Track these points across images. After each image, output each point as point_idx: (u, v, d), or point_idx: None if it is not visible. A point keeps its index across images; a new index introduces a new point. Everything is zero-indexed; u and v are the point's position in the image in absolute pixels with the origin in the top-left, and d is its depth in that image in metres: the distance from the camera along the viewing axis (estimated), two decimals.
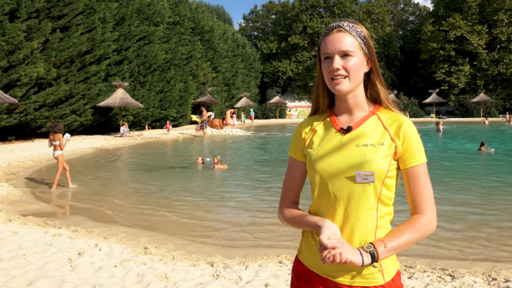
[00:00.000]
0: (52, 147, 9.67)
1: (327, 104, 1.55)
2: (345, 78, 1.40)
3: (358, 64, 1.41)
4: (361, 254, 1.31)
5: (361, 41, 1.42)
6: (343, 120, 1.49)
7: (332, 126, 1.49)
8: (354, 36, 1.41)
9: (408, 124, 1.42)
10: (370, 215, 1.38)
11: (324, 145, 1.47)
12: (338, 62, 1.39)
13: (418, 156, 1.40)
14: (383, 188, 1.38)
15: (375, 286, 1.38)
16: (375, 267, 1.36)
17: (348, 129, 1.45)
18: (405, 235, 1.36)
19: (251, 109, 43.81)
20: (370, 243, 1.35)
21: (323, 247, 1.30)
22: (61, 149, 9.57)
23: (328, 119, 1.52)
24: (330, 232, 1.33)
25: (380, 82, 1.49)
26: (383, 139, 1.41)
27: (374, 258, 1.33)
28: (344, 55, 1.40)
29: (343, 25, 1.42)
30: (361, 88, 1.47)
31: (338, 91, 1.42)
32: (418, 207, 1.40)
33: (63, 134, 9.75)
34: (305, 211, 1.54)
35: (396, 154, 1.40)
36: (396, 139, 1.40)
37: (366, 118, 1.46)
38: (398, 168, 1.43)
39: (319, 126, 1.53)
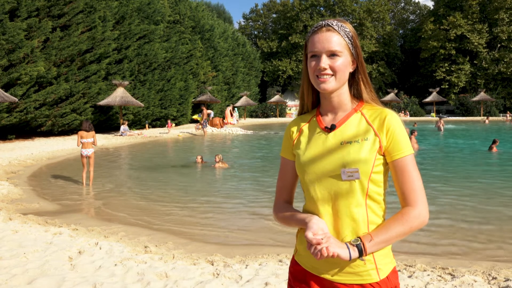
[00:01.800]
0: (81, 145, 9.72)
1: (312, 101, 1.56)
2: (331, 76, 1.41)
3: (345, 64, 1.42)
4: (348, 248, 1.32)
5: (349, 41, 1.43)
6: (327, 119, 1.50)
7: (317, 126, 1.51)
8: (342, 36, 1.41)
9: (391, 117, 1.41)
10: (360, 212, 1.39)
11: (310, 145, 1.48)
12: (325, 61, 1.40)
13: (403, 148, 1.39)
14: (370, 184, 1.39)
15: (370, 284, 1.38)
16: (363, 260, 1.36)
17: (332, 128, 1.46)
18: (393, 228, 1.35)
19: (236, 109, 43.59)
20: (358, 237, 1.36)
21: (309, 244, 1.31)
22: (95, 145, 9.88)
23: (314, 118, 1.54)
24: (316, 228, 1.34)
25: (365, 82, 1.50)
26: (367, 134, 1.41)
27: (361, 252, 1.33)
28: (332, 54, 1.40)
29: (332, 24, 1.42)
30: (345, 87, 1.48)
31: (323, 90, 1.42)
32: (408, 199, 1.38)
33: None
34: (300, 209, 1.56)
35: (381, 149, 1.40)
36: (379, 133, 1.40)
37: (349, 115, 1.47)
38: (385, 163, 1.43)
39: (305, 126, 1.55)
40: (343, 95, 1.47)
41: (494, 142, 15.02)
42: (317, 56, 1.41)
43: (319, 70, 1.40)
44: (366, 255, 1.35)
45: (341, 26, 1.42)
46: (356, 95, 1.51)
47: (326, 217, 1.42)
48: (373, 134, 1.41)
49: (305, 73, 1.50)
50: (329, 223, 1.41)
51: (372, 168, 1.37)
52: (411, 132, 13.19)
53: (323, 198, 1.42)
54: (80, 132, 9.61)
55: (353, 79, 1.50)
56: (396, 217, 1.37)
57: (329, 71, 1.40)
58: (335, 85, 1.42)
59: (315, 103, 1.57)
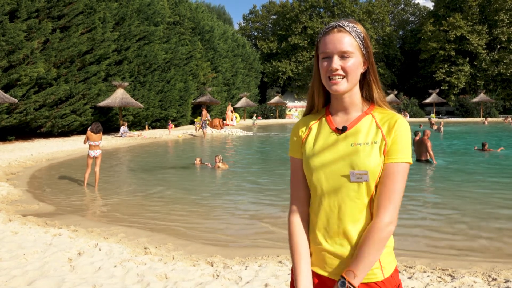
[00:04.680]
0: (89, 146, 9.73)
1: (323, 102, 1.56)
2: (343, 78, 1.41)
3: (356, 65, 1.42)
4: None
5: (360, 42, 1.43)
6: (338, 120, 1.50)
7: (327, 126, 1.51)
8: (353, 36, 1.42)
9: (400, 122, 1.42)
10: (364, 212, 1.40)
11: (319, 145, 1.48)
12: (337, 62, 1.40)
13: (400, 154, 1.39)
14: (375, 188, 1.40)
15: (375, 282, 1.40)
16: None
17: (343, 129, 1.46)
18: (370, 253, 1.35)
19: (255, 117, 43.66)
20: (343, 278, 1.35)
21: None
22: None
23: (324, 118, 1.54)
24: None
25: (375, 82, 1.50)
26: (376, 138, 1.42)
27: None
28: (343, 55, 1.40)
29: (344, 25, 1.42)
30: (356, 88, 1.48)
31: (335, 91, 1.42)
32: (379, 207, 1.37)
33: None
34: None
35: (385, 152, 1.41)
36: (387, 137, 1.41)
37: (360, 118, 1.47)
38: None
39: (315, 125, 1.55)
40: (355, 95, 1.48)
41: (483, 145, 15.11)
42: (328, 57, 1.42)
43: (330, 71, 1.40)
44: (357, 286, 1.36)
45: (353, 27, 1.43)
46: (367, 97, 1.52)
47: (332, 216, 1.43)
48: (381, 138, 1.42)
49: (316, 74, 1.50)
50: (333, 222, 1.43)
51: (380, 171, 1.39)
52: (424, 133, 12.67)
53: (329, 198, 1.43)
54: (88, 133, 9.59)
55: (364, 80, 1.50)
56: (366, 240, 1.36)
57: (340, 72, 1.40)
58: (347, 86, 1.42)
59: (324, 104, 1.57)
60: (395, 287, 1.43)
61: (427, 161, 12.27)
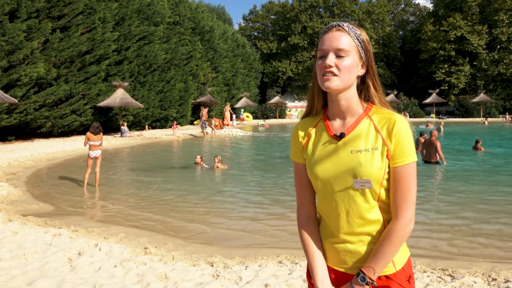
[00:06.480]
0: (89, 146, 9.75)
1: (322, 104, 1.55)
2: (335, 76, 1.40)
3: (351, 65, 1.41)
4: None
5: (358, 44, 1.42)
6: (336, 125, 1.49)
7: (326, 132, 1.50)
8: (351, 37, 1.41)
9: (400, 123, 1.41)
10: (373, 214, 1.42)
11: (320, 152, 1.48)
12: (331, 59, 1.39)
13: (407, 155, 1.39)
14: (381, 189, 1.41)
15: (386, 275, 1.43)
16: (375, 285, 1.40)
17: (341, 136, 1.45)
18: (388, 251, 1.39)
19: (242, 110, 43.31)
20: (363, 273, 1.39)
21: None
22: (100, 146, 9.88)
23: (322, 123, 1.52)
24: None
25: (375, 86, 1.49)
26: (376, 143, 1.41)
27: (371, 282, 1.40)
28: (339, 53, 1.40)
29: (343, 25, 1.42)
30: (353, 90, 1.46)
31: (326, 88, 1.41)
32: (397, 209, 1.39)
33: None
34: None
35: (389, 156, 1.41)
36: (388, 141, 1.40)
37: (358, 122, 1.46)
38: None
39: (313, 130, 1.54)
40: (351, 98, 1.46)
41: (477, 142, 15.26)
42: (325, 55, 1.42)
43: (324, 67, 1.40)
44: (375, 281, 1.40)
45: (352, 28, 1.42)
46: (366, 99, 1.51)
47: (341, 221, 1.45)
48: (381, 143, 1.41)
49: (315, 74, 1.49)
50: (343, 225, 1.45)
51: (383, 176, 1.39)
52: (431, 134, 12.29)
53: (336, 204, 1.45)
54: (88, 134, 9.60)
55: (363, 84, 1.49)
56: (387, 239, 1.39)
57: (334, 70, 1.39)
58: (339, 84, 1.40)
59: (324, 106, 1.56)
60: (406, 278, 1.45)
61: (437, 163, 11.89)
